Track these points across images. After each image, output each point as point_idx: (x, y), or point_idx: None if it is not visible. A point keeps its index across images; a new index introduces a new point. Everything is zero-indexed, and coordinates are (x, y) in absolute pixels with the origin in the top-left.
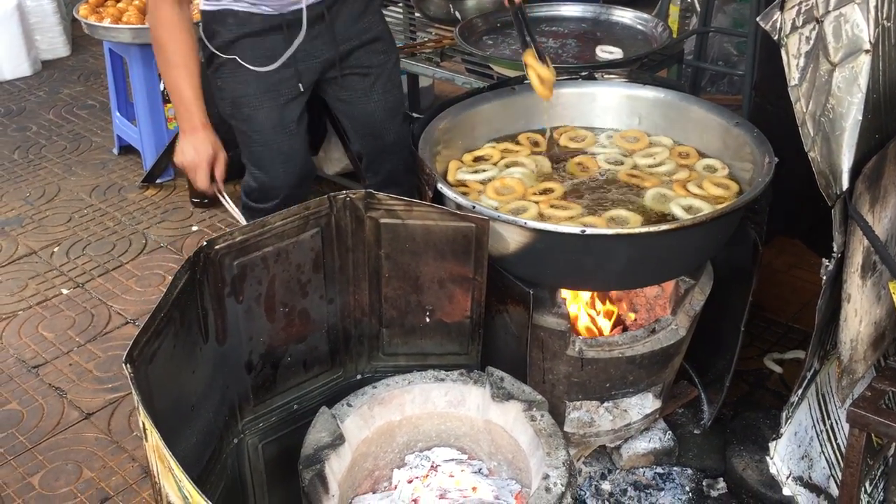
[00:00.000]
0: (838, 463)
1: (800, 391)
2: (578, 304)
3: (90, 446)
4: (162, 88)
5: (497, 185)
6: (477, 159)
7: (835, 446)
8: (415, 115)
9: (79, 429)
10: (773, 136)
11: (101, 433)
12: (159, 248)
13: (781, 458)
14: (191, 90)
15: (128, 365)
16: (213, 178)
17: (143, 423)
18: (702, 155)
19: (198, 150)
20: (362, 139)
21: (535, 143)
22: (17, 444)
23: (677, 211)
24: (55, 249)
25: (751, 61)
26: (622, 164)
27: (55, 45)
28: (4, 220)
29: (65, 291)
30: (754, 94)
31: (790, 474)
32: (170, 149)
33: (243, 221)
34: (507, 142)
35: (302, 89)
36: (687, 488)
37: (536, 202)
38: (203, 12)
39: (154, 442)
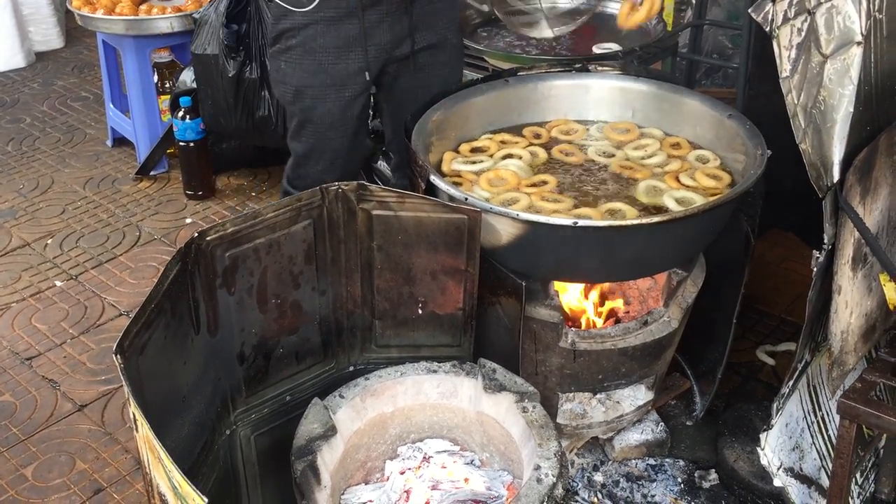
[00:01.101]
0: (829, 454)
1: (791, 383)
2: (571, 296)
3: (83, 438)
4: (156, 80)
5: (490, 177)
6: (474, 150)
7: (826, 438)
8: None
9: (72, 420)
10: (767, 129)
11: (95, 425)
12: (153, 241)
13: (772, 450)
14: None
15: (118, 355)
16: None
17: (134, 414)
18: (693, 145)
19: None
20: (401, 142)
21: (537, 136)
22: (9, 435)
23: (670, 203)
24: (49, 241)
25: (745, 54)
26: (613, 156)
27: (49, 36)
28: None
29: (58, 283)
30: (748, 87)
31: (781, 465)
32: (163, 141)
33: None
34: (503, 133)
35: (368, 78)
36: (679, 480)
37: (529, 194)
38: None
39: (144, 433)
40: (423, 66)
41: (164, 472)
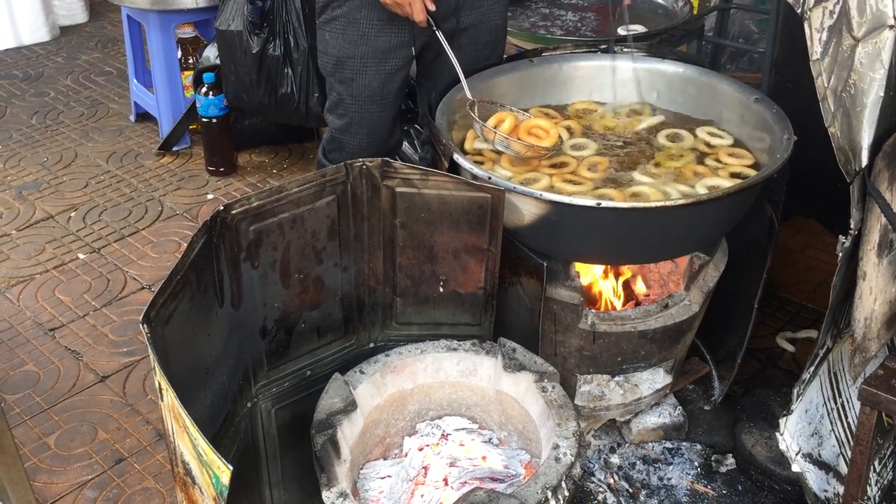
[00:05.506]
0: (848, 441)
1: (812, 368)
2: (592, 278)
3: (105, 408)
4: (179, 56)
5: (512, 156)
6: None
7: (845, 424)
8: None
9: (94, 391)
10: (792, 115)
11: (116, 396)
12: (175, 216)
13: (791, 435)
14: None
15: (145, 325)
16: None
17: (160, 383)
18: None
19: None
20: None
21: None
22: (33, 404)
23: (700, 189)
24: (72, 214)
25: (772, 39)
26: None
27: (73, 10)
28: (22, 185)
29: (81, 256)
30: (774, 71)
31: (799, 451)
32: (186, 116)
33: (461, 72)
34: None
35: (414, 53)
36: (696, 463)
37: (549, 174)
38: None
39: (170, 401)
40: (463, 46)
41: (190, 441)
